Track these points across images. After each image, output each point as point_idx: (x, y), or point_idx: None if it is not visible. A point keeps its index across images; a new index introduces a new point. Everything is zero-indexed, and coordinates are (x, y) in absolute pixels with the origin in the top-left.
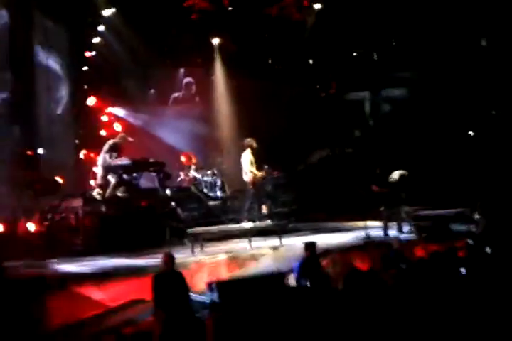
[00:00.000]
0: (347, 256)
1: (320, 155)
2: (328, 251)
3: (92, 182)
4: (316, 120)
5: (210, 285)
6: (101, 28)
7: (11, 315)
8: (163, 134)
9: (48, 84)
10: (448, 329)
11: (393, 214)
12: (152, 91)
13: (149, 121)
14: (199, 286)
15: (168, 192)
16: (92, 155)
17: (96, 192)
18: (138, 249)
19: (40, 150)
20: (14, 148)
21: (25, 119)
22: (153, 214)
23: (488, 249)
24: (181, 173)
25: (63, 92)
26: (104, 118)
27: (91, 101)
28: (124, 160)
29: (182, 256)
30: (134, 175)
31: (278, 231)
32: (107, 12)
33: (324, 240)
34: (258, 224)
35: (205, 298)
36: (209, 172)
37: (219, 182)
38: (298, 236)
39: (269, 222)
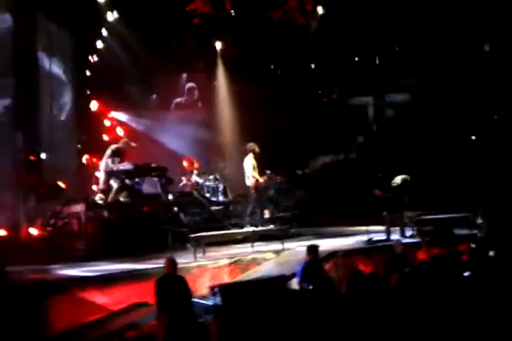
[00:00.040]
0: (350, 260)
1: (323, 161)
2: (331, 255)
3: (94, 187)
4: (319, 125)
5: (212, 289)
6: (104, 32)
7: (15, 320)
8: (165, 139)
9: (51, 90)
10: (451, 332)
11: (396, 219)
12: (154, 96)
13: (152, 126)
14: (201, 291)
15: (170, 197)
16: (94, 160)
17: (98, 197)
18: (140, 253)
19: (43, 156)
20: (17, 153)
21: (28, 125)
22: (155, 219)
23: (491, 253)
24: (183, 178)
25: (67, 98)
26: (107, 123)
27: (93, 106)
28: (126, 165)
29: (184, 260)
30: (137, 180)
31: (280, 235)
32: (110, 16)
33: (327, 244)
34: (260, 228)
35: (207, 303)
36: (211, 177)
37: (221, 187)
38: (300, 240)
39: (271, 226)
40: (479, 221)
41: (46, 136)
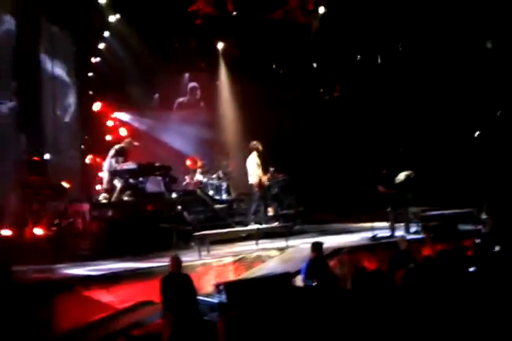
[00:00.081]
0: (355, 257)
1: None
2: (335, 252)
3: (98, 187)
4: (321, 123)
5: (218, 287)
6: (106, 33)
7: (20, 319)
8: (168, 139)
9: (54, 92)
10: (456, 328)
11: (400, 215)
12: (157, 96)
13: (154, 125)
14: (206, 289)
15: (174, 195)
16: (98, 160)
17: (102, 197)
18: (145, 252)
19: (47, 156)
20: (21, 154)
21: (31, 127)
22: (159, 218)
23: (497, 248)
24: (187, 177)
25: (70, 100)
26: (110, 123)
27: (96, 106)
28: (130, 165)
29: (189, 259)
30: (140, 179)
31: (284, 233)
32: (112, 18)
33: (331, 241)
34: (264, 226)
35: (212, 300)
36: (214, 175)
37: (224, 186)
38: (304, 237)
39: (275, 224)
40: (484, 216)
41: (50, 137)
